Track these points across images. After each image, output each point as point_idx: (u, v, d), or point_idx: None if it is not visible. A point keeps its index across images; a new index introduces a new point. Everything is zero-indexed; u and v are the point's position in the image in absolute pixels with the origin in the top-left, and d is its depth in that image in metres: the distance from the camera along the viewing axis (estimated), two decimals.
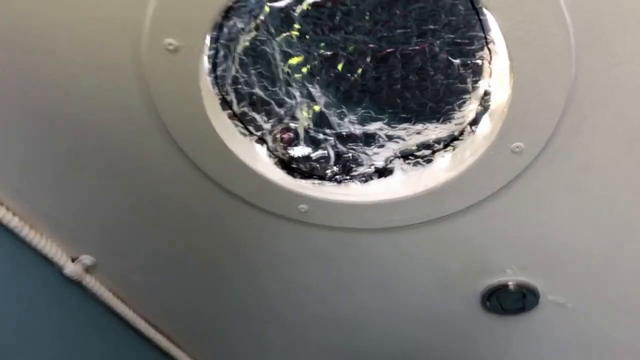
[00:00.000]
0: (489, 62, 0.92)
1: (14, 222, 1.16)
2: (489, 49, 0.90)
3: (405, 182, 1.06)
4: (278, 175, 1.07)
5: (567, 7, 0.76)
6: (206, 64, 0.93)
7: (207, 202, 1.11)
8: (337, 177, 1.09)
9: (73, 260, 1.28)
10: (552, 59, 0.81)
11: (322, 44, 0.92)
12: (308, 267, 1.23)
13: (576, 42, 0.79)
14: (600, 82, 0.84)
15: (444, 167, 1.04)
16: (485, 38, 0.89)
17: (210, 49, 0.92)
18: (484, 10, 0.84)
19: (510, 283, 1.21)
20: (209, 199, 1.10)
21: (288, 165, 1.09)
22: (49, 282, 1.28)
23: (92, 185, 1.12)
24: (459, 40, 0.89)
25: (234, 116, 1.03)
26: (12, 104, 0.97)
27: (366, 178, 1.09)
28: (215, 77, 0.97)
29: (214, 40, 0.92)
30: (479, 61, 0.92)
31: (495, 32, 0.87)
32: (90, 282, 1.32)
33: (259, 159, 1.07)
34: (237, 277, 1.28)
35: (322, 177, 1.09)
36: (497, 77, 0.93)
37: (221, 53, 0.94)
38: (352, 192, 1.08)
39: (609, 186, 0.98)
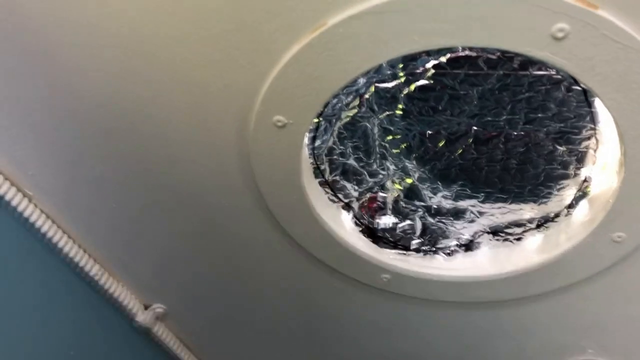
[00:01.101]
0: (594, 151, 0.90)
1: (94, 269, 1.18)
2: (596, 138, 0.89)
3: (493, 260, 1.04)
4: (362, 244, 1.07)
5: None
6: (307, 137, 0.94)
7: (289, 264, 1.11)
8: (422, 248, 1.08)
9: (146, 308, 1.29)
10: None
11: (425, 124, 0.92)
12: (388, 336, 1.22)
13: None
14: None
15: (535, 247, 1.02)
16: (595, 129, 0.87)
17: (312, 124, 0.93)
18: (597, 104, 0.84)
19: None
20: (292, 261, 1.10)
21: (373, 233, 1.08)
22: (120, 329, 1.29)
23: (175, 240, 1.14)
24: (567, 129, 0.88)
25: (324, 184, 1.04)
26: (110, 160, 1.00)
27: (451, 251, 1.08)
28: (313, 148, 0.98)
29: (318, 115, 0.93)
30: (584, 149, 0.91)
31: (604, 123, 0.86)
32: (160, 330, 1.33)
33: (345, 226, 1.07)
34: (313, 340, 1.28)
35: (406, 248, 1.08)
36: (600, 165, 0.91)
37: (322, 126, 0.95)
38: (437, 265, 1.07)
39: None
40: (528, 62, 0.82)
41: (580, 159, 0.92)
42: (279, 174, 0.94)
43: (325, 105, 0.92)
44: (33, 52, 0.85)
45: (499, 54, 0.82)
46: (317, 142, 0.97)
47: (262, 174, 0.94)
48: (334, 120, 0.95)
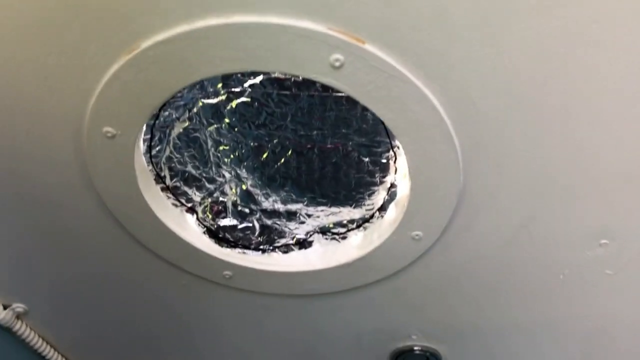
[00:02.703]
0: (394, 161, 1.04)
1: None
2: (393, 151, 1.03)
3: (322, 256, 1.17)
4: (205, 244, 1.16)
5: (455, 128, 0.89)
6: (142, 146, 1.02)
7: (138, 265, 1.19)
8: (261, 247, 1.19)
9: (5, 307, 1.33)
10: (443, 169, 0.94)
11: (249, 136, 1.03)
12: (232, 328, 1.32)
13: (463, 156, 0.92)
14: (486, 187, 0.98)
15: (355, 244, 1.15)
16: (391, 142, 1.01)
17: (146, 134, 1.02)
18: None
19: (415, 347, 1.33)
20: (140, 262, 1.18)
21: (216, 234, 1.18)
22: None
23: (28, 243, 1.19)
24: (368, 143, 1.01)
25: (166, 189, 1.13)
26: None
27: (287, 249, 1.20)
28: (150, 156, 1.06)
29: (150, 126, 1.02)
30: (385, 160, 1.05)
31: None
32: (22, 328, 1.37)
33: (189, 227, 1.16)
34: (164, 334, 1.36)
35: (246, 247, 1.19)
36: (400, 173, 1.05)
37: (156, 137, 1.04)
38: (274, 262, 1.19)
39: (495, 274, 1.12)
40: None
41: (384, 169, 1.06)
42: (116, 180, 1.02)
43: (156, 118, 1.01)
44: None
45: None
46: (154, 151, 1.06)
47: (100, 181, 1.02)
48: (167, 131, 1.04)
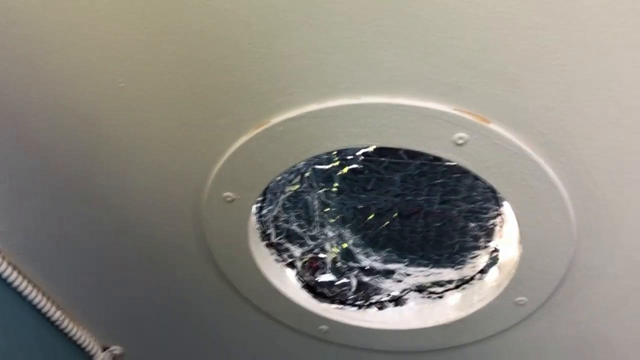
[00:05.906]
0: (501, 227, 1.05)
1: (56, 315, 1.28)
2: (501, 217, 1.04)
3: (418, 314, 1.18)
4: (303, 298, 1.19)
5: (572, 204, 0.90)
6: (254, 208, 1.06)
7: (237, 315, 1.23)
8: (357, 302, 1.21)
9: (104, 349, 1.39)
10: (555, 240, 0.94)
11: (356, 200, 1.06)
12: None
13: (578, 230, 0.93)
14: (596, 260, 0.98)
15: (453, 304, 1.16)
16: (499, 209, 1.02)
17: (259, 196, 1.06)
18: None
19: None
20: (240, 312, 1.22)
21: (313, 288, 1.21)
22: None
23: (132, 290, 1.24)
24: (476, 209, 1.03)
25: (270, 245, 1.16)
26: (77, 223, 1.10)
27: (382, 305, 1.21)
28: (260, 216, 1.11)
29: (263, 190, 1.06)
30: (491, 225, 1.06)
31: (507, 205, 1.01)
32: None
33: (288, 282, 1.19)
34: None
35: (342, 302, 1.21)
36: (506, 239, 1.06)
37: (268, 198, 1.08)
38: (369, 318, 1.20)
39: (599, 341, 1.11)
40: None
41: (489, 234, 1.07)
42: (228, 239, 1.06)
43: (270, 182, 1.05)
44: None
45: None
46: (264, 211, 1.10)
47: (213, 239, 1.06)
48: (278, 194, 1.08)
